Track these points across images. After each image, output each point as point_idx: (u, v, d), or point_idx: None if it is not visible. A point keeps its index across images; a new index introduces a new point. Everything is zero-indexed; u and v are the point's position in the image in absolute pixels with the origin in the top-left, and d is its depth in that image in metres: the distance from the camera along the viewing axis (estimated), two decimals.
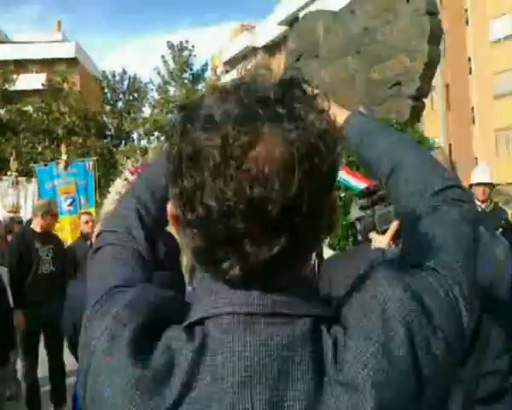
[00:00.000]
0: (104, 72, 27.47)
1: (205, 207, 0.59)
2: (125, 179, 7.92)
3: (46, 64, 34.02)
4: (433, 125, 30.82)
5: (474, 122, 30.75)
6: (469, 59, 30.67)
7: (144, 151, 22.37)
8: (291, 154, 0.58)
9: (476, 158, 30.53)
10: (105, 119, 23.98)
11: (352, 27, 7.77)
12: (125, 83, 24.37)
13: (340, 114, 1.07)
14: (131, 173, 7.74)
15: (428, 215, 0.85)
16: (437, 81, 30.27)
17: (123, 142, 23.54)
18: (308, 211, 0.60)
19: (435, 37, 6.65)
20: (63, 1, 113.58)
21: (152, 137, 23.05)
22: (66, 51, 38.76)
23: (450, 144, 30.54)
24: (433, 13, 6.67)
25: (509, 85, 28.24)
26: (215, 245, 0.61)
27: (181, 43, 23.65)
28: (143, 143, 23.34)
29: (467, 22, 30.80)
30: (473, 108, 30.67)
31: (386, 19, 7.16)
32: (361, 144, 1.06)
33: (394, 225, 1.94)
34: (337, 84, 8.18)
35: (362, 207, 2.14)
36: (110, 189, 8.26)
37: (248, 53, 47.84)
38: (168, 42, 23.84)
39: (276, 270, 0.62)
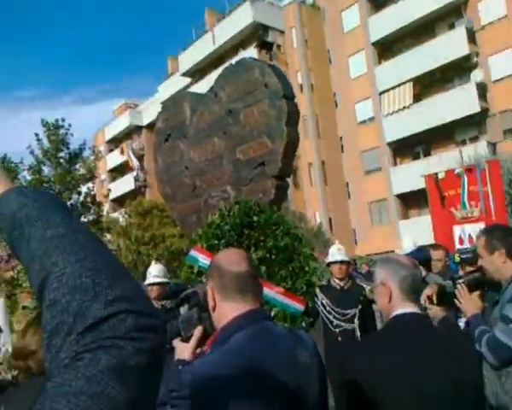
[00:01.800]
0: None
1: None
2: None
3: None
4: (313, 200, 32.48)
5: (349, 196, 32.89)
6: (341, 138, 33.22)
7: None
8: None
9: (354, 229, 32.44)
10: None
11: (216, 109, 7.88)
12: None
13: None
14: None
15: (62, 373, 0.65)
16: (314, 158, 32.31)
17: None
18: None
19: (293, 119, 6.91)
20: None
21: None
22: None
23: (329, 218, 32.24)
24: (289, 97, 6.95)
25: (376, 162, 30.85)
26: None
27: (56, 120, 22.77)
28: None
29: (336, 105, 33.61)
30: (347, 183, 32.89)
31: (247, 102, 7.34)
32: (13, 236, 0.82)
33: (198, 331, 1.69)
34: (206, 164, 8.17)
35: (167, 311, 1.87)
36: None
37: (132, 131, 47.72)
38: (42, 120, 22.80)
39: None
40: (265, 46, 33.33)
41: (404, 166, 29.55)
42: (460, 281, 3.12)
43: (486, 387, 2.65)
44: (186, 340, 1.74)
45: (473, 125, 27.90)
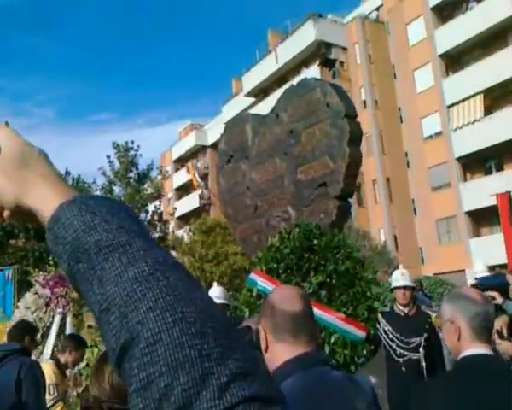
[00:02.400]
0: None
1: None
2: (35, 293, 7.38)
3: None
4: (377, 217, 31.76)
5: (415, 213, 31.89)
6: (406, 154, 32.37)
7: None
8: None
9: (420, 248, 31.36)
10: None
11: (277, 130, 7.91)
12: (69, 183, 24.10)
13: (40, 193, 0.67)
14: (42, 287, 7.24)
15: None
16: (378, 175, 31.65)
17: None
18: None
19: (355, 138, 6.81)
20: (13, 103, 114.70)
21: None
22: None
23: (395, 236, 31.37)
24: (351, 116, 6.86)
25: (444, 178, 29.75)
26: None
27: (126, 143, 23.78)
28: None
29: (401, 120, 32.86)
30: (413, 200, 31.93)
31: (308, 122, 7.32)
32: (76, 269, 0.61)
33: None
34: (267, 185, 8.20)
35: None
36: (19, 303, 7.64)
37: (198, 151, 48.92)
38: (114, 142, 23.91)
39: None
40: (328, 64, 33.25)
41: (475, 182, 28.31)
42: None
43: None
44: None
45: None
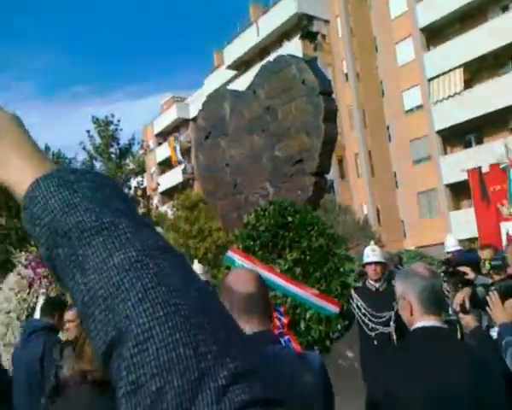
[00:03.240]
0: None
1: None
2: (19, 274, 7.32)
3: None
4: (359, 191, 32.00)
5: (397, 186, 32.18)
6: (388, 127, 32.51)
7: None
8: None
9: (402, 221, 31.76)
10: None
11: (254, 106, 7.91)
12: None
13: (15, 165, 0.58)
14: (25, 267, 7.20)
15: None
16: (360, 149, 31.78)
17: None
18: None
19: (330, 115, 6.85)
20: None
21: None
22: None
23: (377, 209, 31.69)
24: (327, 93, 6.88)
25: (425, 151, 30.01)
26: None
27: (106, 117, 23.44)
28: None
29: (383, 93, 32.89)
30: (395, 173, 32.20)
31: (285, 99, 7.33)
32: (55, 255, 0.53)
33: None
34: (246, 162, 8.22)
35: None
36: (2, 285, 7.58)
37: (180, 125, 48.48)
38: (93, 117, 23.52)
39: None
40: (309, 36, 32.97)
41: (455, 155, 28.60)
42: (492, 288, 3.04)
43: None
44: None
45: None
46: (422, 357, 1.95)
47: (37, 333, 3.82)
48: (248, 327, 1.55)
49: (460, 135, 29.29)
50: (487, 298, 2.93)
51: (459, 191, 28.29)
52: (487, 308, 2.93)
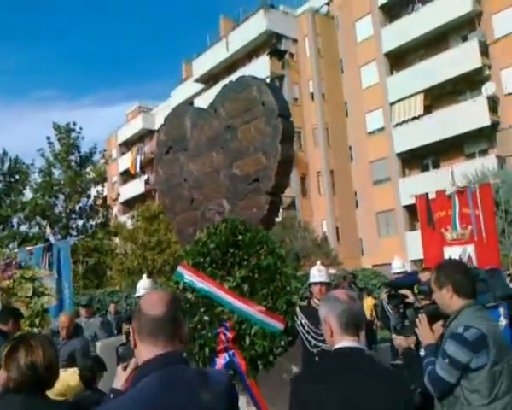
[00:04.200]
0: None
1: None
2: None
3: None
4: (320, 209, 32.52)
5: (357, 206, 32.87)
6: (350, 147, 33.26)
7: (24, 237, 21.07)
8: None
9: (361, 239, 32.40)
10: None
11: (215, 124, 8.05)
12: (6, 164, 23.16)
13: None
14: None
15: None
16: (322, 167, 32.35)
17: (0, 226, 22.05)
18: None
19: (288, 137, 7.05)
20: None
21: (33, 222, 21.83)
22: None
23: (337, 227, 32.25)
24: (285, 116, 7.10)
25: (385, 172, 30.83)
26: None
27: (67, 124, 23.14)
28: (24, 228, 22.02)
29: (346, 114, 33.67)
30: (355, 193, 32.89)
31: (245, 119, 7.51)
32: None
33: (133, 363, 1.89)
34: (204, 178, 8.33)
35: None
36: None
37: (145, 135, 48.17)
38: (54, 123, 23.16)
39: None
40: (278, 54, 33.50)
41: (413, 178, 29.50)
42: (421, 311, 3.25)
43: None
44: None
45: (483, 138, 27.78)
46: (340, 373, 2.13)
47: None
48: (155, 349, 1.63)
49: (418, 158, 30.25)
50: (416, 320, 3.14)
51: (415, 213, 29.09)
52: (416, 329, 3.14)
